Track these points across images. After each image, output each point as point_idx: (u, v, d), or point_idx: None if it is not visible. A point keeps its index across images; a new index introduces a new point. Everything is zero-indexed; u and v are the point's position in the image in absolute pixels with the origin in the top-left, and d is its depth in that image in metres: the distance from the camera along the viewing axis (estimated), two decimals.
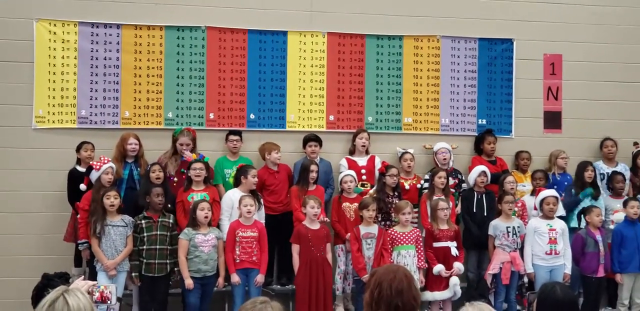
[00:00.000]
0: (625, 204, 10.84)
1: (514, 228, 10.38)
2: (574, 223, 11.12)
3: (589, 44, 12.44)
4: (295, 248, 9.86)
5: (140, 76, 11.20)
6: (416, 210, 10.70)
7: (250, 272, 9.74)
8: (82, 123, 11.00)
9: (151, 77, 11.22)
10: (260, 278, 9.76)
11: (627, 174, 11.85)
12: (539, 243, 10.39)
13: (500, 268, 10.29)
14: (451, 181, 11.08)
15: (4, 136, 10.84)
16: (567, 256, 10.44)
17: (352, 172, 10.81)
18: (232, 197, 10.23)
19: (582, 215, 10.91)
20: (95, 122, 11.04)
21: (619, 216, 10.90)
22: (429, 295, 9.99)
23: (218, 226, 10.04)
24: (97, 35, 11.10)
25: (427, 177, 11.13)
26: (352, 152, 11.39)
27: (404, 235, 10.04)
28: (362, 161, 11.23)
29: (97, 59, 11.08)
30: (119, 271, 9.60)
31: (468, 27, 12.11)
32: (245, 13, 11.58)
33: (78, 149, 10.51)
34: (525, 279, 10.60)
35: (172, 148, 10.75)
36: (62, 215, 10.51)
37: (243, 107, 11.45)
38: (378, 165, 11.05)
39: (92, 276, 9.61)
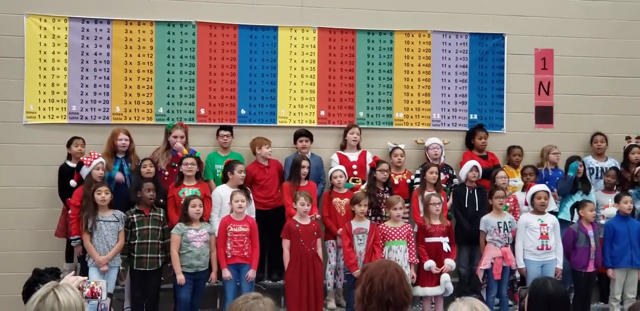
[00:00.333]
0: (617, 199, 10.83)
1: (505, 223, 10.37)
2: (563, 215, 11.12)
3: (581, 38, 12.45)
4: (286, 243, 9.84)
5: (130, 71, 11.18)
6: (407, 205, 10.69)
7: (241, 267, 9.73)
8: (73, 119, 10.98)
9: (142, 73, 11.21)
10: (251, 273, 9.75)
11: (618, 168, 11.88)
12: (530, 238, 10.38)
13: (492, 263, 10.28)
14: (442, 176, 11.07)
15: None
16: (558, 251, 10.44)
17: (342, 167, 10.80)
18: (221, 193, 10.22)
19: (575, 209, 10.90)
20: (86, 118, 11.02)
21: (610, 211, 10.91)
22: (420, 291, 9.98)
23: (208, 222, 10.02)
24: (87, 30, 11.08)
25: (418, 172, 11.13)
26: (343, 147, 11.39)
27: (395, 230, 10.03)
28: (353, 156, 11.22)
29: (87, 54, 11.06)
30: (111, 266, 9.58)
31: (459, 22, 12.11)
32: (235, 8, 11.56)
33: (69, 144, 10.48)
34: (517, 274, 10.60)
35: (164, 143, 10.74)
36: (53, 211, 10.49)
37: (234, 102, 11.44)
38: (369, 160, 11.05)
39: (84, 271, 9.61)
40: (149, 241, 9.62)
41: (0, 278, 10.45)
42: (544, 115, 12.32)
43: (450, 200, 11.01)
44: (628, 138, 12.20)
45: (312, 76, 11.69)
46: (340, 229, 10.21)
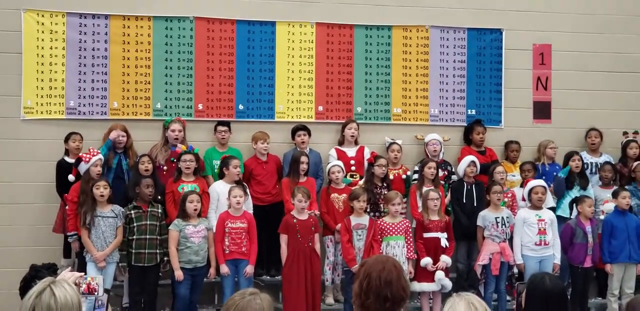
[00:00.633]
0: (615, 194, 10.84)
1: (503, 218, 10.37)
2: (561, 212, 11.11)
3: (579, 33, 12.43)
4: (283, 239, 9.84)
5: (128, 67, 11.18)
6: (404, 200, 10.68)
7: (239, 263, 9.73)
8: (71, 114, 10.98)
9: (139, 68, 11.20)
10: (249, 269, 9.75)
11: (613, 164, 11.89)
12: (528, 233, 10.38)
13: (490, 259, 10.28)
14: (440, 173, 11.07)
15: None
16: (556, 246, 10.44)
17: (340, 163, 10.80)
18: (217, 189, 10.23)
19: (574, 205, 10.90)
20: (84, 113, 11.01)
21: (609, 206, 10.91)
22: (416, 286, 9.97)
23: (206, 218, 10.02)
24: (85, 26, 11.07)
25: (416, 168, 11.12)
26: (341, 142, 11.38)
27: (393, 226, 10.02)
28: (351, 152, 11.22)
29: (85, 49, 11.06)
30: (109, 262, 9.58)
31: (457, 17, 12.11)
32: (233, 3, 11.57)
33: (66, 140, 10.48)
34: (515, 269, 10.60)
35: (162, 138, 10.74)
36: (51, 206, 10.48)
37: (232, 98, 11.43)
38: (367, 155, 11.03)
39: (82, 267, 9.60)
40: (147, 236, 9.63)
41: None
42: (541, 111, 12.32)
43: (449, 196, 11.00)
44: (626, 133, 12.21)
45: (310, 71, 11.68)
46: (339, 224, 10.20)
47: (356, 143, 11.36)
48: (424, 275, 10.04)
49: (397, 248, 9.93)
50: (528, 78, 12.33)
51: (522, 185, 11.12)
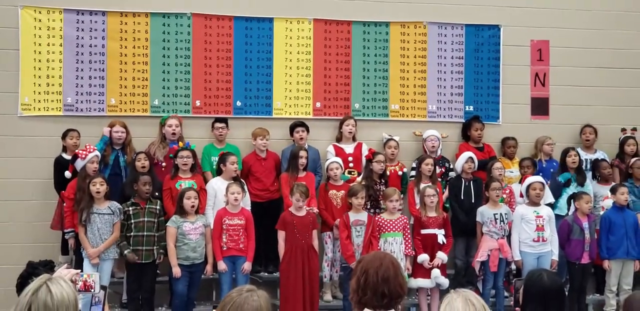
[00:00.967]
0: (614, 190, 10.83)
1: (501, 215, 10.37)
2: (558, 211, 11.09)
3: (576, 30, 12.42)
4: (281, 235, 9.84)
5: (126, 63, 11.17)
6: (402, 197, 10.68)
7: (237, 260, 9.74)
8: (68, 111, 10.96)
9: (137, 64, 11.19)
10: (247, 265, 9.75)
11: (607, 160, 11.88)
12: (526, 230, 10.38)
13: (488, 255, 10.28)
14: (438, 169, 11.07)
15: None
16: (554, 242, 10.45)
17: (339, 159, 10.79)
18: (214, 185, 10.24)
19: (572, 201, 10.90)
20: (81, 110, 11.00)
21: (609, 202, 10.91)
22: (413, 283, 9.98)
23: (204, 214, 10.02)
24: (82, 22, 11.06)
25: (414, 165, 11.11)
26: (339, 139, 11.37)
27: (391, 222, 10.03)
28: (349, 148, 11.21)
29: (82, 46, 11.05)
30: (104, 259, 9.59)
31: (455, 13, 12.09)
32: None
33: (64, 137, 10.47)
34: (513, 266, 10.61)
35: (159, 135, 10.73)
36: (49, 203, 10.47)
37: (229, 94, 11.43)
38: (365, 152, 11.03)
39: (79, 264, 9.60)
40: (145, 233, 9.62)
41: None
42: (539, 107, 12.32)
43: (446, 192, 11.00)
44: (623, 130, 12.20)
45: (307, 68, 11.67)
46: (337, 220, 10.20)
47: (354, 139, 11.35)
48: (421, 271, 10.04)
49: (394, 245, 9.93)
50: (526, 75, 12.32)
51: (521, 181, 11.12)
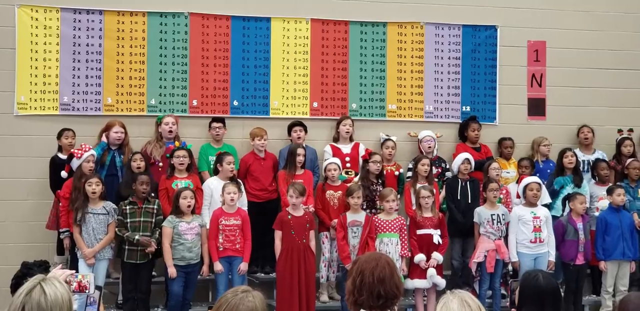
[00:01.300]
0: (610, 191, 10.84)
1: (498, 215, 10.36)
2: (554, 212, 11.08)
3: (573, 30, 12.44)
4: (278, 235, 9.83)
5: (122, 62, 11.15)
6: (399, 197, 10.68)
7: (233, 260, 9.72)
8: (65, 110, 10.95)
9: (134, 64, 11.17)
10: (243, 266, 9.74)
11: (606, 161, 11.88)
12: (523, 231, 10.39)
13: (485, 256, 10.28)
14: (435, 170, 11.07)
15: None
16: (551, 244, 10.45)
17: (337, 160, 10.78)
18: (211, 185, 10.23)
19: (567, 201, 10.90)
20: (78, 109, 10.98)
21: (604, 203, 10.90)
22: (409, 283, 9.97)
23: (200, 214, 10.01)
24: (79, 21, 11.04)
25: (410, 165, 11.10)
26: (336, 139, 11.37)
27: (387, 223, 10.02)
28: (346, 148, 11.20)
29: (79, 45, 11.03)
30: (100, 259, 9.60)
31: (452, 14, 12.10)
32: None
33: (59, 136, 10.46)
34: (510, 267, 10.60)
35: (156, 134, 10.73)
36: (44, 203, 10.45)
37: (226, 94, 11.42)
38: (362, 152, 11.03)
39: (75, 264, 9.58)
40: (140, 233, 9.60)
41: None
42: (536, 107, 12.32)
43: (443, 193, 10.99)
44: (620, 131, 12.21)
45: (304, 68, 11.67)
46: (334, 220, 10.19)
47: (351, 139, 11.35)
48: (417, 271, 10.03)
49: (390, 246, 9.93)
50: (523, 75, 12.34)
51: (517, 182, 11.12)
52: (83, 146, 9.91)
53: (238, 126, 11.27)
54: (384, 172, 10.91)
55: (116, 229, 9.63)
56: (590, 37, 12.46)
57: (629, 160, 11.64)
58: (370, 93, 11.84)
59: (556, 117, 12.31)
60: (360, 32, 11.83)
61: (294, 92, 11.63)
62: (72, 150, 10.01)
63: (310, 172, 10.78)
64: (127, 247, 9.58)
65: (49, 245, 10.42)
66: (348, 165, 11.09)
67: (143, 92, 11.20)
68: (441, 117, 12.03)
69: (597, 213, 10.99)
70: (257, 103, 11.54)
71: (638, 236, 10.96)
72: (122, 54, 11.16)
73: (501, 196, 10.79)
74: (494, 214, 10.36)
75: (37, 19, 10.90)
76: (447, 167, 11.41)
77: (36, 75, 10.88)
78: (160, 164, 10.52)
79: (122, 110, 11.10)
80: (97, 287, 4.88)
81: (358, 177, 10.79)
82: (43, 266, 6.36)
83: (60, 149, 10.45)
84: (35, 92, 10.87)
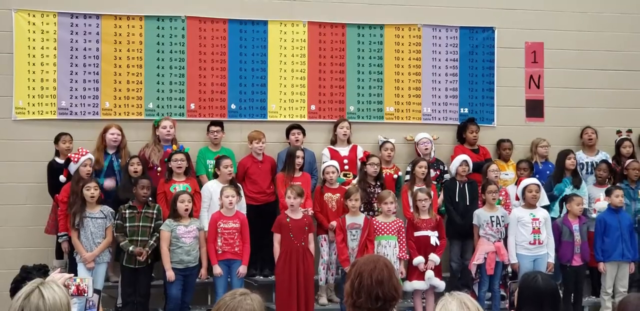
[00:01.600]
0: (609, 192, 10.84)
1: (497, 217, 10.36)
2: (553, 214, 11.08)
3: (571, 31, 12.44)
4: (276, 238, 9.82)
5: (120, 67, 11.15)
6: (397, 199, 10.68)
7: (232, 263, 9.72)
8: (63, 115, 10.95)
9: (131, 68, 11.17)
10: (242, 269, 9.75)
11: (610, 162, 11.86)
12: (522, 233, 10.39)
13: (485, 258, 10.28)
14: (433, 172, 11.07)
15: None
16: (550, 245, 10.45)
17: (335, 163, 10.77)
18: (210, 188, 10.23)
19: (564, 203, 10.90)
20: (76, 113, 10.99)
21: (601, 204, 10.90)
22: (408, 285, 9.97)
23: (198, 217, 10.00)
24: (76, 25, 11.04)
25: (408, 168, 11.09)
26: (333, 142, 11.37)
27: (385, 225, 10.02)
28: (344, 151, 11.20)
29: (76, 49, 11.03)
30: (99, 262, 9.60)
31: (449, 16, 12.10)
32: (225, 2, 11.57)
33: (56, 141, 10.45)
34: (509, 268, 10.60)
35: (153, 137, 10.72)
36: (43, 207, 10.45)
37: (224, 97, 11.42)
38: (360, 154, 11.03)
39: (73, 268, 9.58)
40: (139, 238, 9.61)
41: None
42: (534, 109, 12.32)
43: (442, 195, 10.99)
44: (619, 132, 12.21)
45: (302, 70, 11.67)
46: (333, 222, 10.19)
47: (349, 142, 11.35)
48: (415, 273, 10.03)
49: (388, 248, 9.93)
50: (520, 77, 12.34)
51: (516, 184, 11.12)
52: (80, 150, 9.91)
53: (236, 129, 11.27)
54: (382, 174, 10.90)
55: (115, 235, 9.63)
56: (587, 38, 12.46)
57: (628, 161, 11.63)
58: (368, 95, 11.84)
59: (554, 118, 12.31)
60: (357, 35, 11.83)
61: (291, 95, 11.63)
62: (69, 154, 10.01)
63: (308, 174, 10.78)
64: (125, 252, 9.58)
65: (48, 249, 10.41)
66: (346, 167, 11.09)
67: (141, 95, 11.20)
68: (439, 119, 12.02)
69: (594, 215, 10.99)
70: (254, 107, 11.53)
71: (637, 238, 10.97)
72: (120, 58, 11.16)
73: (501, 198, 10.79)
74: (493, 216, 10.36)
75: (34, 24, 10.90)
76: (445, 169, 11.40)
77: (34, 80, 10.88)
78: (159, 169, 10.50)
79: (119, 114, 11.10)
80: (96, 291, 4.89)
81: (356, 179, 10.79)
82: (42, 270, 6.34)
83: (57, 154, 10.44)
84: (33, 97, 10.87)
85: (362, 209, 10.40)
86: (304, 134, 11.14)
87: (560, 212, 11.05)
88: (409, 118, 11.93)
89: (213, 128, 10.94)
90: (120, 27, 11.18)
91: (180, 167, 10.18)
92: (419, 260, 9.98)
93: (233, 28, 11.49)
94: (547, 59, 12.38)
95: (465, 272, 10.62)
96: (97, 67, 11.08)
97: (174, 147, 10.38)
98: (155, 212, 9.77)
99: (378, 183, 10.75)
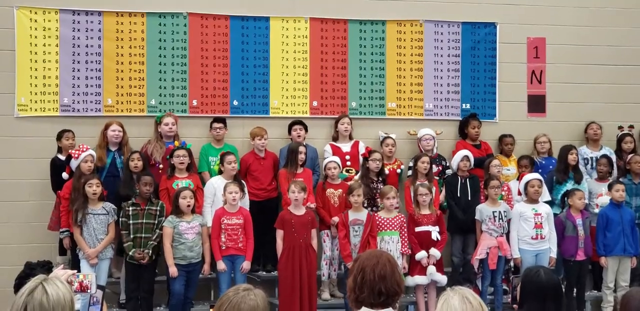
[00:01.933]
0: (610, 187, 10.85)
1: (500, 212, 10.37)
2: (555, 209, 11.08)
3: (573, 27, 12.42)
4: (279, 234, 9.83)
5: (122, 63, 11.16)
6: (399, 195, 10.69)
7: (236, 259, 9.74)
8: (65, 111, 10.95)
9: (133, 64, 11.18)
10: (246, 265, 9.76)
11: (613, 157, 11.85)
12: (524, 228, 10.39)
13: (487, 253, 10.29)
14: (435, 168, 11.07)
15: None
16: (552, 240, 10.46)
17: (336, 158, 10.78)
18: (214, 184, 10.24)
19: (565, 198, 10.90)
20: (78, 110, 10.99)
21: (604, 199, 10.93)
22: (410, 280, 9.99)
23: (201, 213, 10.01)
24: (78, 22, 11.04)
25: (410, 164, 11.09)
26: (335, 138, 11.37)
27: (388, 221, 10.03)
28: (346, 147, 11.21)
29: (78, 46, 11.03)
30: (102, 259, 9.61)
31: (451, 11, 12.09)
32: None
33: (59, 138, 10.47)
34: (511, 263, 10.61)
35: (155, 133, 10.73)
36: (46, 204, 10.46)
37: (226, 94, 11.42)
38: (362, 150, 11.03)
39: (76, 264, 9.59)
40: (142, 235, 9.63)
41: None
42: (536, 104, 12.32)
43: (444, 191, 11.00)
44: (621, 127, 12.21)
45: (304, 67, 11.67)
46: (335, 218, 10.20)
47: (350, 138, 11.35)
48: (417, 268, 10.05)
49: (391, 244, 9.95)
50: (522, 72, 12.33)
51: (518, 179, 11.12)
52: (81, 146, 9.91)
53: (238, 126, 11.27)
54: (384, 170, 10.91)
55: (121, 232, 9.64)
56: (589, 33, 12.45)
57: (630, 156, 11.62)
58: (370, 91, 11.84)
59: (556, 113, 12.31)
60: (359, 31, 11.83)
61: (293, 91, 11.63)
62: (70, 150, 10.02)
63: (309, 170, 10.79)
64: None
65: (51, 245, 10.44)
66: (348, 163, 11.09)
67: (143, 92, 11.21)
68: (441, 114, 12.03)
69: (596, 210, 11.00)
70: (257, 103, 11.54)
71: (639, 232, 10.97)
72: (122, 55, 11.16)
73: (503, 193, 10.79)
74: (495, 211, 10.37)
75: (36, 21, 10.91)
76: (447, 164, 11.40)
77: (36, 77, 10.89)
78: (161, 166, 10.50)
79: (122, 110, 11.11)
80: (100, 287, 4.91)
81: (358, 175, 10.80)
82: (46, 267, 6.38)
83: (60, 150, 10.46)
84: (36, 94, 10.88)
85: (365, 205, 10.42)
86: (306, 130, 11.14)
87: (562, 208, 11.04)
88: (410, 114, 11.93)
89: (216, 125, 10.93)
90: (122, 23, 11.18)
91: (182, 162, 10.18)
92: (421, 254, 10.00)
93: (235, 24, 11.49)
94: (549, 54, 12.38)
95: (467, 267, 10.62)
96: (99, 63, 11.09)
97: (176, 143, 10.39)
98: (158, 209, 9.77)
99: (380, 179, 10.75)
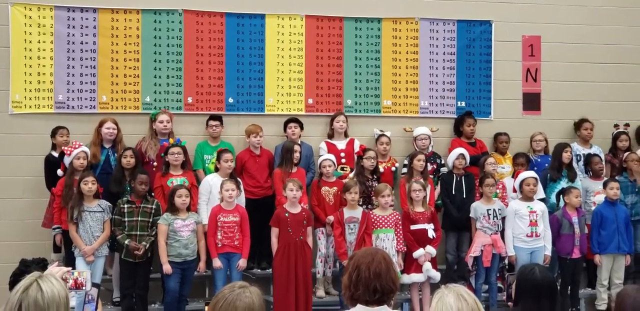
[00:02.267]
0: (605, 185, 10.86)
1: (494, 210, 10.38)
2: (548, 206, 11.09)
3: (568, 25, 12.43)
4: (274, 232, 9.83)
5: (117, 60, 11.14)
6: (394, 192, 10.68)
7: (232, 257, 9.74)
8: (59, 108, 10.93)
9: (128, 61, 11.16)
10: (242, 262, 9.76)
11: (602, 156, 11.87)
12: (519, 225, 10.40)
13: (482, 250, 10.29)
14: (430, 166, 11.07)
15: None
16: (547, 238, 10.47)
17: (331, 156, 10.78)
18: (210, 181, 10.23)
19: (560, 196, 10.91)
20: (73, 107, 10.97)
21: (601, 197, 10.93)
22: (405, 278, 10.00)
23: (196, 211, 10.01)
24: (73, 19, 11.02)
25: (405, 162, 11.09)
26: (330, 135, 11.36)
27: (383, 219, 10.04)
28: (341, 144, 11.21)
29: (73, 43, 11.01)
30: (97, 256, 9.60)
31: (446, 9, 12.09)
32: None
33: (53, 134, 10.46)
34: (506, 261, 10.62)
35: (150, 130, 10.71)
36: (40, 201, 10.45)
37: (221, 91, 11.41)
38: (357, 148, 11.03)
39: (71, 261, 9.57)
40: (138, 233, 9.61)
41: None
42: (531, 102, 12.33)
43: (439, 189, 11.00)
44: (616, 125, 12.22)
45: (299, 64, 11.66)
46: (330, 217, 10.20)
47: (346, 135, 11.35)
48: (413, 265, 10.06)
49: (386, 241, 9.95)
50: (517, 70, 12.34)
51: (513, 176, 11.13)
52: (74, 143, 9.90)
53: (233, 123, 11.26)
54: (379, 168, 10.91)
55: (113, 229, 9.63)
56: (585, 32, 12.46)
57: (626, 154, 11.64)
58: (365, 89, 11.84)
59: (551, 111, 12.32)
60: (355, 28, 11.82)
61: (289, 88, 11.63)
62: (63, 147, 10.00)
63: (303, 170, 10.78)
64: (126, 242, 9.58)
65: (45, 243, 10.40)
66: (343, 161, 11.08)
67: (138, 89, 11.19)
68: (436, 112, 12.03)
69: (593, 208, 11.01)
70: (252, 100, 11.53)
71: (633, 230, 11.00)
72: (117, 52, 11.14)
73: (498, 191, 10.80)
74: (490, 209, 10.38)
75: (30, 17, 10.88)
76: (442, 162, 11.41)
77: (30, 74, 10.87)
78: (155, 164, 10.48)
79: (117, 107, 11.09)
80: (95, 285, 4.88)
81: (353, 173, 10.80)
82: (41, 264, 6.38)
83: (54, 147, 10.44)
84: (30, 91, 10.86)
85: (360, 203, 10.41)
86: (302, 128, 11.13)
87: (557, 205, 11.05)
88: (406, 112, 11.93)
89: (212, 122, 10.93)
90: (117, 20, 11.16)
91: (177, 159, 10.16)
92: (419, 252, 10.00)
93: (230, 21, 11.48)
94: (544, 53, 12.38)
95: (461, 264, 10.65)
96: (94, 60, 11.07)
97: (171, 140, 10.37)
98: (153, 207, 9.77)
99: (375, 177, 10.75)
